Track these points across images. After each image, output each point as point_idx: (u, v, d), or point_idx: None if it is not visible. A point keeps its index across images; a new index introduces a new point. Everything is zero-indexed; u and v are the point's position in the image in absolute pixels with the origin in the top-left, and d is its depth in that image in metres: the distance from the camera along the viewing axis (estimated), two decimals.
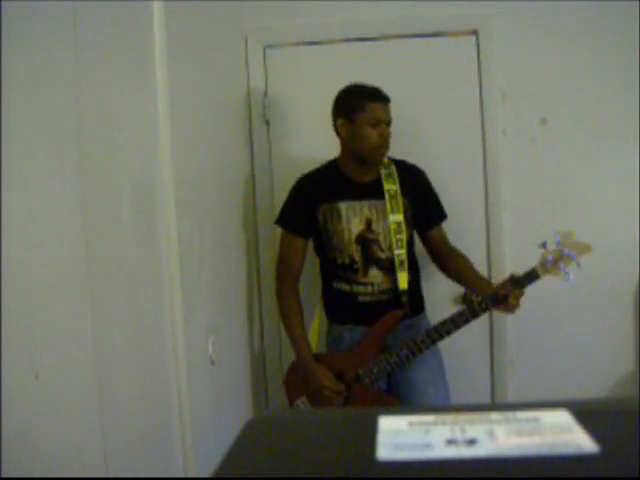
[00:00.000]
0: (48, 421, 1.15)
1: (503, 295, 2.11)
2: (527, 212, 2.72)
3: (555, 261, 2.07)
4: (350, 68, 2.71)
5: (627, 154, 2.66)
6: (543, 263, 2.08)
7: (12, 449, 1.02)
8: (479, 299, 2.15)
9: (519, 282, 2.11)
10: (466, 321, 2.14)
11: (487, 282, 2.31)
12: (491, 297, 2.13)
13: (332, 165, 2.37)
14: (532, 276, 2.10)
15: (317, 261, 2.45)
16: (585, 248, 2.08)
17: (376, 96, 2.22)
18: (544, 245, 2.09)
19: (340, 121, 2.26)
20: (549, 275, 2.09)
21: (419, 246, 2.44)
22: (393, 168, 2.31)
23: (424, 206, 2.36)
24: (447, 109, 2.74)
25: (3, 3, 1.02)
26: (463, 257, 2.36)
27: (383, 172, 2.30)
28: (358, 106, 2.21)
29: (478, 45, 2.71)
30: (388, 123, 2.24)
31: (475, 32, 2.71)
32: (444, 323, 2.16)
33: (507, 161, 2.73)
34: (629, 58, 2.61)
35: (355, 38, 2.77)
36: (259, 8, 2.77)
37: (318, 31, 2.78)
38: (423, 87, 2.75)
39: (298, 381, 2.37)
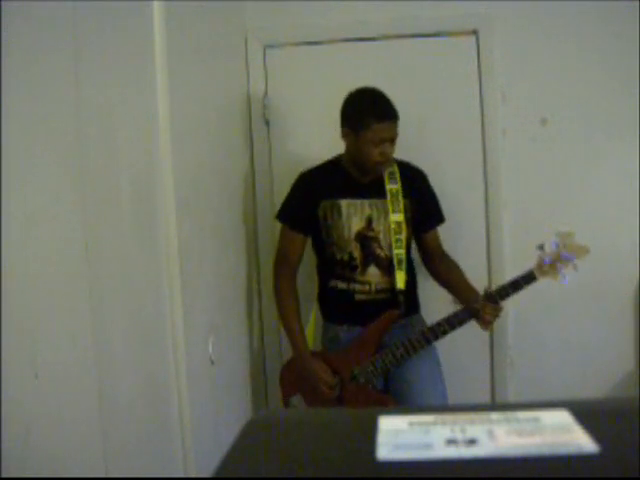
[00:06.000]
0: (48, 421, 1.15)
1: (476, 310, 2.13)
2: (527, 212, 2.72)
3: (552, 262, 2.08)
4: (350, 68, 2.71)
5: (627, 154, 2.66)
6: (540, 265, 2.09)
7: (12, 449, 1.02)
8: (477, 297, 2.16)
9: (492, 297, 2.13)
10: (462, 322, 2.15)
11: (475, 293, 2.23)
12: (466, 310, 2.15)
13: (336, 162, 2.35)
14: (529, 278, 2.11)
15: (314, 260, 2.44)
16: (583, 250, 2.08)
17: (384, 116, 2.16)
18: (542, 247, 2.09)
19: (346, 130, 2.24)
20: (546, 277, 2.09)
21: (414, 249, 2.44)
22: (396, 169, 2.31)
23: (424, 208, 2.36)
24: (447, 109, 2.74)
25: (3, 3, 1.02)
26: (455, 265, 2.37)
27: (386, 172, 2.29)
28: (364, 124, 2.16)
29: (478, 45, 2.71)
30: (393, 140, 2.20)
31: (475, 32, 2.71)
32: (440, 324, 2.17)
33: (507, 161, 2.73)
34: (629, 58, 2.61)
35: (355, 38, 2.76)
36: (259, 8, 2.77)
37: (318, 31, 2.78)
38: (423, 87, 2.75)
39: (293, 378, 2.37)
